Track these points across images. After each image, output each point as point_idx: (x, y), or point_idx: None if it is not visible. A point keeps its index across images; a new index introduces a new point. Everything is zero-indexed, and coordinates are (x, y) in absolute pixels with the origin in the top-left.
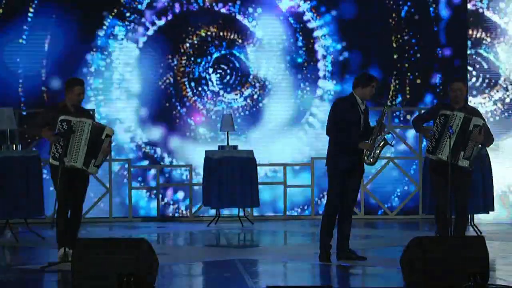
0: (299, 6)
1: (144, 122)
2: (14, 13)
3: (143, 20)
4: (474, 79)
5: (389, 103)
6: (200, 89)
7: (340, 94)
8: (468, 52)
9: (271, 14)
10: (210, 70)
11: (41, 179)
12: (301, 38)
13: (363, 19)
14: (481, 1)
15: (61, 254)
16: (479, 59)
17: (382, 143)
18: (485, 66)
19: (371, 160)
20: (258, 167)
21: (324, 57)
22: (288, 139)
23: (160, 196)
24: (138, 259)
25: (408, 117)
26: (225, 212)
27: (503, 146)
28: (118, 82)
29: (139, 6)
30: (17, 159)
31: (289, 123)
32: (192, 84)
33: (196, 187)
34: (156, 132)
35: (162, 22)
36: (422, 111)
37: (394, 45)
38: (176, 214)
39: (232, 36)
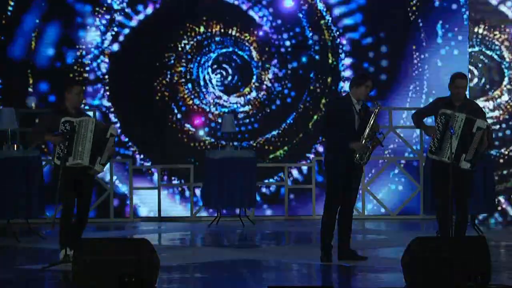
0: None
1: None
2: None
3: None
4: None
5: (380, 103)
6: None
7: None
8: None
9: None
10: (209, 70)
11: (42, 179)
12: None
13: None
14: None
15: (63, 255)
16: None
17: (374, 144)
18: None
19: (362, 161)
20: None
21: None
22: None
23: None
24: (139, 259)
25: None
26: (226, 212)
27: None
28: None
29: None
30: (18, 159)
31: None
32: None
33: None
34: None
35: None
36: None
37: None
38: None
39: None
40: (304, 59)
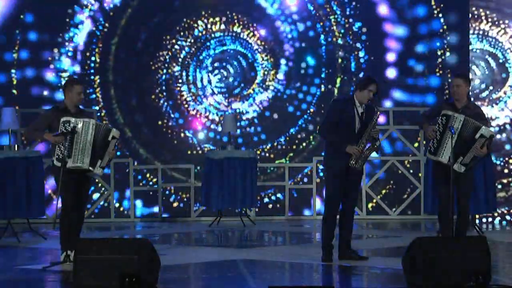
0: None
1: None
2: None
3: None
4: None
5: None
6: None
7: None
8: None
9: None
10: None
11: (43, 179)
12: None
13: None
14: None
15: (63, 257)
16: None
17: (370, 149)
18: None
19: (356, 165)
20: None
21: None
22: None
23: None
24: (140, 259)
25: None
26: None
27: None
28: None
29: None
30: (19, 159)
31: None
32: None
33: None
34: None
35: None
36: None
37: None
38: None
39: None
40: (310, 60)
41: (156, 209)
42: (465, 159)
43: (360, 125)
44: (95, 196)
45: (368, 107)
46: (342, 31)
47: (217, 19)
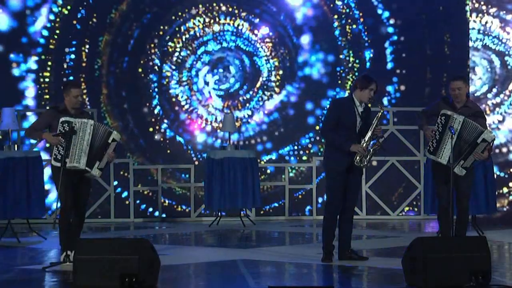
0: None
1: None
2: None
3: None
4: None
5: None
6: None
7: None
8: None
9: None
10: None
11: (43, 180)
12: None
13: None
14: None
15: (63, 257)
16: None
17: (375, 147)
18: None
19: (362, 164)
20: None
21: None
22: None
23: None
24: (140, 259)
25: None
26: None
27: None
28: None
29: None
30: (19, 160)
31: None
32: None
33: (197, 188)
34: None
35: None
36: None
37: None
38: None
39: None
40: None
41: (156, 209)
42: (466, 163)
43: (360, 124)
44: (96, 196)
45: (367, 106)
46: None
47: (215, 13)
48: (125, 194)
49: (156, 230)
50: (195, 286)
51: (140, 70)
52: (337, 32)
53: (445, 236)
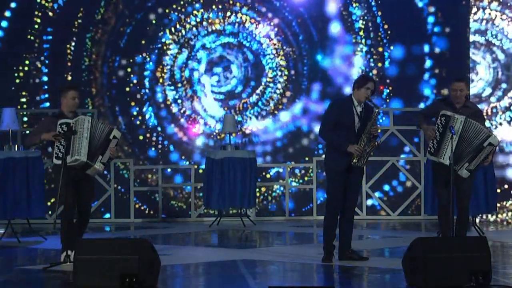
0: None
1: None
2: None
3: None
4: None
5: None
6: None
7: None
8: None
9: None
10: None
11: (43, 180)
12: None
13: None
14: None
15: (64, 257)
16: None
17: (371, 147)
18: None
19: (359, 163)
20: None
21: None
22: None
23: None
24: (140, 259)
25: None
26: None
27: None
28: None
29: None
30: (19, 160)
31: None
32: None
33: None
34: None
35: None
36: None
37: None
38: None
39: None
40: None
41: (156, 209)
42: (471, 166)
43: (359, 124)
44: (96, 196)
45: (367, 106)
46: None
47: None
48: (125, 194)
49: (156, 230)
50: (195, 286)
51: (131, 69)
52: (335, 31)
53: (445, 236)
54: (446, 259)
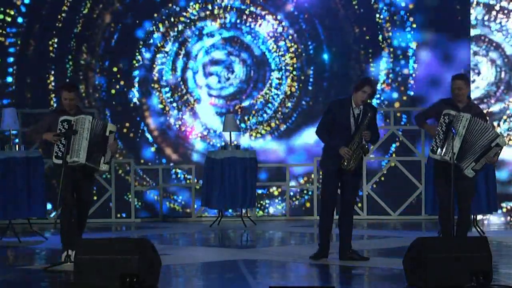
0: None
1: None
2: None
3: None
4: None
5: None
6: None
7: None
8: None
9: None
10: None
11: (44, 180)
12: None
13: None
14: None
15: (64, 257)
16: None
17: (358, 152)
18: None
19: (348, 167)
20: None
21: None
22: None
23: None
24: (141, 259)
25: None
26: (228, 212)
27: None
28: None
29: None
30: (20, 160)
31: None
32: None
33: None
34: None
35: None
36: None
37: None
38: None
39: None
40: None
41: (157, 209)
42: (477, 165)
43: (355, 126)
44: (97, 196)
45: (368, 108)
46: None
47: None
48: (125, 194)
49: (156, 230)
50: (196, 286)
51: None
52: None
53: (446, 236)
54: (446, 259)
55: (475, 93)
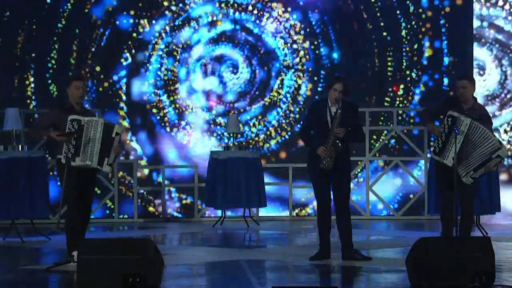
0: None
1: None
2: None
3: None
4: None
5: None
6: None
7: None
8: None
9: None
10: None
11: (47, 180)
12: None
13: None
14: None
15: (67, 257)
16: None
17: (332, 149)
18: None
19: (326, 167)
20: None
21: None
22: None
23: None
24: (143, 259)
25: None
26: (231, 213)
27: None
28: None
29: None
30: (23, 160)
31: None
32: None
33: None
34: None
35: None
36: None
37: None
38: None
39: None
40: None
41: (159, 209)
42: (476, 174)
43: (334, 124)
44: (100, 196)
45: (347, 106)
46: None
47: None
48: (128, 194)
49: (159, 230)
50: (199, 287)
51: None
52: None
53: (448, 237)
54: (449, 259)
55: None
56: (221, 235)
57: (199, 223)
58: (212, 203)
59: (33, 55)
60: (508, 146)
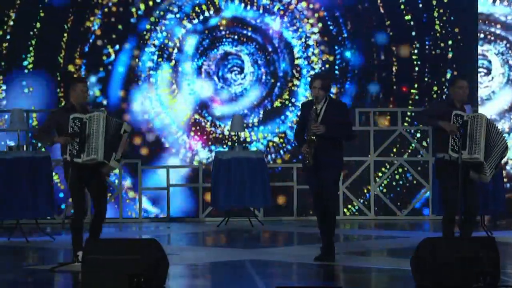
0: None
1: None
2: None
3: None
4: None
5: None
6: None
7: None
8: None
9: None
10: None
11: (51, 180)
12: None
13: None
14: None
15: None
16: None
17: (309, 145)
18: None
19: (308, 164)
20: None
21: None
22: None
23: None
24: (148, 259)
25: None
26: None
27: None
28: None
29: None
30: (27, 160)
31: None
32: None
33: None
34: None
35: None
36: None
37: None
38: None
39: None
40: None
41: (164, 209)
42: (495, 171)
43: (322, 122)
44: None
45: (334, 104)
46: None
47: None
48: (132, 194)
49: (164, 230)
50: (203, 287)
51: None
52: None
53: (450, 237)
54: (454, 260)
55: None
56: (225, 235)
57: (203, 223)
58: (215, 203)
59: None
60: None
